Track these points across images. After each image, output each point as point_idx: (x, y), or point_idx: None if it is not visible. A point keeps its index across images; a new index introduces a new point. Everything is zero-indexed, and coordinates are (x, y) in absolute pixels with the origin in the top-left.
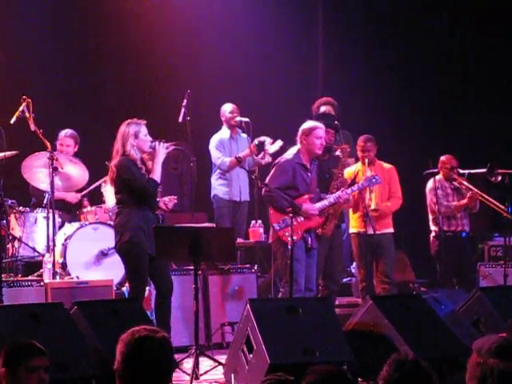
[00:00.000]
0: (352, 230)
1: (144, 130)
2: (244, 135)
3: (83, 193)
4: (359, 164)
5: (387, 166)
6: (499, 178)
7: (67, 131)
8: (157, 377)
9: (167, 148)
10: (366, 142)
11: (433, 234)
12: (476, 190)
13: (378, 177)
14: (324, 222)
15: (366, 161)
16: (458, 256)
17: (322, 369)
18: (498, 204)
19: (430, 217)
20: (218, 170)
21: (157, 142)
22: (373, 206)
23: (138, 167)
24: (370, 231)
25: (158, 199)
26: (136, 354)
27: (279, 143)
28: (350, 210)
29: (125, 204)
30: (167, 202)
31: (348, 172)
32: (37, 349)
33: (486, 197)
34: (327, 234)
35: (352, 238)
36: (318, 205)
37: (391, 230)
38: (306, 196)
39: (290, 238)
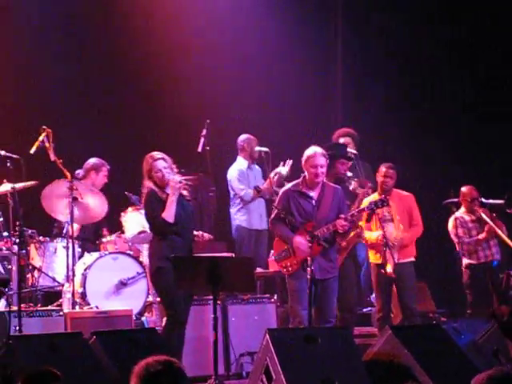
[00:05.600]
0: (372, 260)
1: (154, 168)
2: (257, 168)
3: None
4: (376, 194)
5: (405, 193)
6: None
7: (103, 161)
8: None
9: (180, 182)
10: (389, 169)
11: (464, 265)
12: (491, 223)
13: (383, 199)
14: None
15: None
16: (488, 286)
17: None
18: (507, 240)
19: (459, 250)
20: (238, 201)
21: (171, 177)
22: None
23: (159, 199)
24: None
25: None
26: None
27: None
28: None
29: (153, 233)
30: (200, 236)
31: (366, 202)
32: (52, 376)
33: (499, 232)
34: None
35: (372, 267)
36: (316, 232)
37: (412, 258)
38: (307, 224)
39: (285, 270)
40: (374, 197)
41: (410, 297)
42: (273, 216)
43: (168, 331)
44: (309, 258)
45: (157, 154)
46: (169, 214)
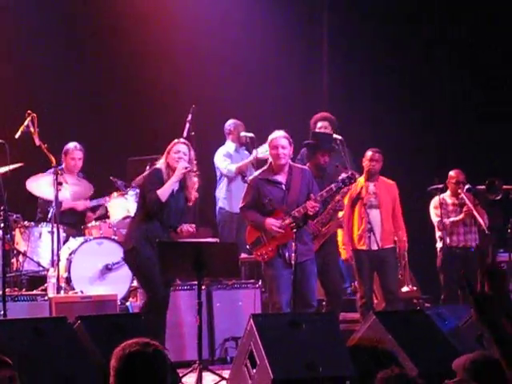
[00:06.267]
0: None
1: (175, 148)
2: (246, 152)
3: (91, 204)
4: (362, 179)
5: (390, 182)
6: (499, 196)
7: (76, 144)
8: None
9: (186, 168)
10: (375, 153)
11: (438, 248)
12: (470, 205)
13: (350, 176)
14: (313, 238)
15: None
16: (464, 270)
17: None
18: (481, 221)
19: (437, 233)
20: (223, 183)
21: (181, 161)
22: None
23: (161, 180)
24: (374, 247)
25: (178, 225)
26: (128, 369)
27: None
28: (344, 228)
29: (138, 211)
30: (184, 229)
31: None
32: (1, 363)
33: (476, 214)
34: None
35: (353, 253)
36: (287, 217)
37: (393, 244)
38: (279, 210)
39: (261, 258)
40: (360, 182)
41: (392, 281)
42: (243, 204)
43: (145, 314)
44: (293, 244)
45: (184, 140)
46: (164, 192)
